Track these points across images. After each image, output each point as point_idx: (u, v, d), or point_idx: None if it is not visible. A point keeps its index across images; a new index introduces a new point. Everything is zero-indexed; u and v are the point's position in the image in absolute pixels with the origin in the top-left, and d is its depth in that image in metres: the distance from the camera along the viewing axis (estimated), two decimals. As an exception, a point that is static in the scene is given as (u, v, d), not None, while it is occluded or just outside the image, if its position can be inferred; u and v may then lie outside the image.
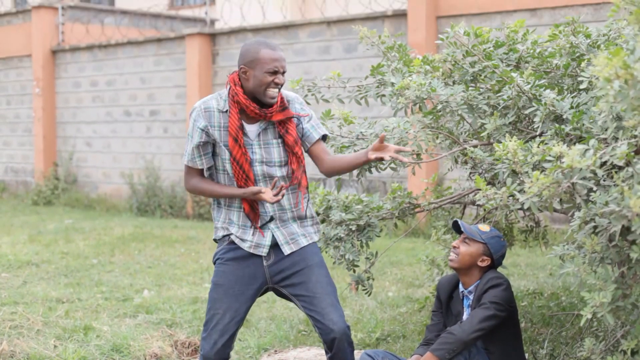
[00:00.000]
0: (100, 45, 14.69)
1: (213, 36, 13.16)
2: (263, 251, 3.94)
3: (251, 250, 3.94)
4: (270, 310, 6.51)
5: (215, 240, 4.08)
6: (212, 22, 17.07)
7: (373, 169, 4.81)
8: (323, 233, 4.95)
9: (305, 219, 4.04)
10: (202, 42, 13.06)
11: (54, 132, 15.47)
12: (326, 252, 5.00)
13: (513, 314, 4.18)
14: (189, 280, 7.78)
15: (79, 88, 15.12)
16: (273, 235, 3.95)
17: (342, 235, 4.92)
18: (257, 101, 3.89)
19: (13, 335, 5.72)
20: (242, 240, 3.94)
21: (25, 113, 15.96)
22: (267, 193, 3.80)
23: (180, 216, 13.11)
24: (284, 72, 3.88)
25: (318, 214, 5.10)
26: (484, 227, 4.25)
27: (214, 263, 4.05)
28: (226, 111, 3.89)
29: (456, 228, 4.33)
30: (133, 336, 5.66)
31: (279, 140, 3.94)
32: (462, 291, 4.28)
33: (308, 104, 5.26)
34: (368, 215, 4.95)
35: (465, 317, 4.22)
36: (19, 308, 6.40)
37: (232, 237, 3.95)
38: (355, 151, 4.66)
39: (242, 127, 3.88)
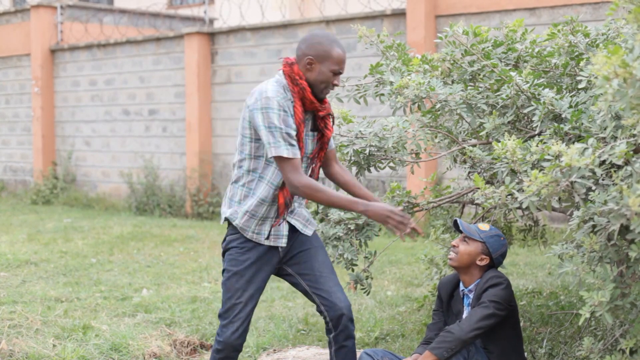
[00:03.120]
0: (99, 44, 14.68)
1: (212, 35, 13.16)
2: (283, 241, 3.99)
3: (271, 243, 3.96)
4: (269, 310, 6.51)
5: (229, 221, 3.99)
6: (211, 21, 17.07)
7: (372, 168, 4.81)
8: (322, 232, 4.95)
9: (302, 200, 4.11)
10: (201, 41, 13.06)
11: (52, 131, 15.46)
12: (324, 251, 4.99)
13: (513, 313, 4.18)
14: (188, 279, 7.78)
15: (78, 87, 15.12)
16: (288, 224, 4.00)
17: (341, 234, 4.92)
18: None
19: (12, 334, 5.71)
20: (258, 234, 3.94)
21: (24, 112, 15.95)
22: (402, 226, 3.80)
23: (179, 215, 13.11)
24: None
25: (317, 213, 5.10)
26: (484, 226, 4.24)
27: (229, 250, 4.00)
28: (291, 101, 3.85)
29: (456, 227, 4.32)
30: (132, 335, 5.66)
31: (314, 133, 3.98)
32: (463, 290, 4.28)
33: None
34: (367, 214, 4.94)
35: (465, 315, 4.23)
36: (18, 307, 6.39)
37: (248, 235, 3.93)
38: (354, 150, 4.66)
39: (304, 120, 3.89)
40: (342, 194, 3.88)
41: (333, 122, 4.05)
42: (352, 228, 4.95)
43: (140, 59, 14.15)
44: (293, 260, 4.07)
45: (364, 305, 6.53)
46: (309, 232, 4.06)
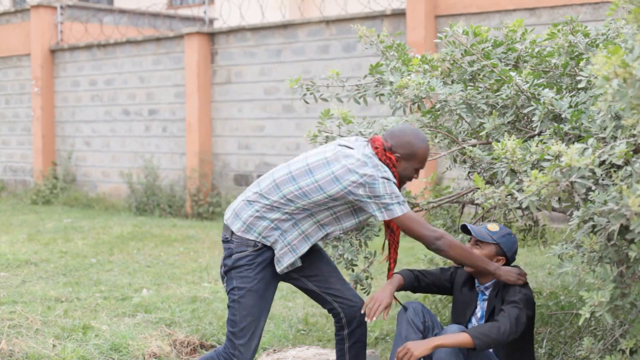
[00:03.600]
0: (99, 44, 14.69)
1: (212, 35, 13.16)
2: (298, 262, 4.04)
3: (288, 269, 4.02)
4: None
5: (242, 237, 3.99)
6: (211, 21, 17.07)
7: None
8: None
9: None
10: (200, 41, 13.06)
11: (52, 132, 15.47)
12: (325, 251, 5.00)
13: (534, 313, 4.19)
14: (188, 280, 7.78)
15: (78, 87, 15.12)
16: None
17: (341, 235, 4.92)
18: None
19: (12, 334, 5.71)
20: (279, 261, 3.98)
21: (24, 112, 15.95)
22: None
23: (179, 215, 13.11)
24: None
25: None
26: (493, 227, 4.22)
27: (238, 267, 3.99)
28: None
29: (465, 231, 4.30)
30: (132, 335, 5.65)
31: None
32: (478, 286, 4.25)
33: (307, 102, 5.26)
34: (367, 215, 4.94)
35: (479, 311, 4.21)
36: (18, 307, 6.39)
37: (283, 266, 3.98)
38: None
39: None
40: (475, 257, 4.04)
41: None
42: (352, 228, 4.94)
43: (140, 59, 14.15)
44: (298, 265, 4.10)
45: (364, 305, 6.53)
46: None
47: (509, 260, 4.22)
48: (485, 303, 4.20)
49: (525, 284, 4.10)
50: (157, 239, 10.31)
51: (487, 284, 4.21)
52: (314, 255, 4.12)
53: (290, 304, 6.71)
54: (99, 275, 7.97)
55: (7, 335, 5.68)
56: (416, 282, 4.35)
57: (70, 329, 5.83)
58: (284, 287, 7.25)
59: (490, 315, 4.13)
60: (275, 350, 5.48)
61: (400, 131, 3.99)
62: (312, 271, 4.10)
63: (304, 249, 3.96)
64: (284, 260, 3.96)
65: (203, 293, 7.11)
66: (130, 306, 6.62)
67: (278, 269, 3.97)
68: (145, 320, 6.19)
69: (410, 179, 4.02)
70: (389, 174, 3.86)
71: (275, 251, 3.97)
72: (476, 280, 4.27)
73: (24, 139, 16.01)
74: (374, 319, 3.94)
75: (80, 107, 15.11)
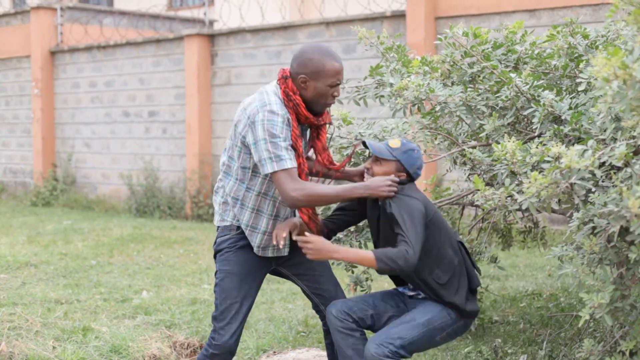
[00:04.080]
0: (99, 46, 14.69)
1: (212, 37, 13.16)
2: (285, 251, 3.99)
3: (274, 254, 3.97)
4: (269, 312, 6.51)
5: (221, 226, 3.97)
6: (211, 22, 17.08)
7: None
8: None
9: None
10: (200, 43, 13.06)
11: (52, 133, 15.47)
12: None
13: (433, 229, 3.90)
14: (188, 281, 7.77)
15: (78, 89, 15.12)
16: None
17: (341, 236, 4.93)
18: (310, 111, 3.86)
19: (12, 336, 5.71)
20: (265, 248, 3.94)
21: (24, 114, 15.95)
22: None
23: (179, 217, 13.11)
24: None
25: (317, 215, 5.10)
26: (395, 143, 3.97)
27: (221, 251, 3.97)
28: (288, 117, 3.78)
29: (366, 147, 4.07)
30: (132, 337, 5.65)
31: (309, 146, 3.99)
32: (381, 204, 3.96)
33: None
34: (367, 216, 4.94)
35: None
36: (18, 309, 6.39)
37: (254, 250, 3.93)
38: (353, 155, 4.66)
39: (300, 135, 3.83)
40: (335, 186, 3.79)
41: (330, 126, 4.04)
42: (352, 230, 4.95)
43: (140, 61, 14.15)
44: (289, 262, 4.07)
45: (363, 307, 6.53)
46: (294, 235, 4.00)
47: (412, 177, 3.95)
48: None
49: (420, 200, 3.85)
50: (157, 241, 10.31)
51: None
52: None
53: (290, 305, 6.71)
54: (99, 277, 7.97)
55: (7, 337, 5.68)
56: (331, 225, 4.15)
57: (70, 331, 5.83)
58: (283, 288, 7.26)
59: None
60: (275, 352, 5.48)
61: (301, 51, 3.81)
62: (303, 270, 4.07)
63: (264, 223, 3.88)
64: (255, 241, 3.90)
65: (203, 295, 7.11)
66: (130, 308, 6.62)
67: (256, 251, 3.92)
68: (145, 322, 6.19)
69: (328, 100, 3.81)
70: (276, 106, 3.69)
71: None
72: (379, 201, 3.98)
73: (24, 141, 16.01)
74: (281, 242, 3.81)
75: (80, 109, 15.11)
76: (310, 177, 4.01)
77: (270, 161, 3.66)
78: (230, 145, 3.88)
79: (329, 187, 3.76)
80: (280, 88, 3.82)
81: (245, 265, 3.94)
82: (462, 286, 3.92)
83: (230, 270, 3.93)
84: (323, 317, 4.10)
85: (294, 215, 4.00)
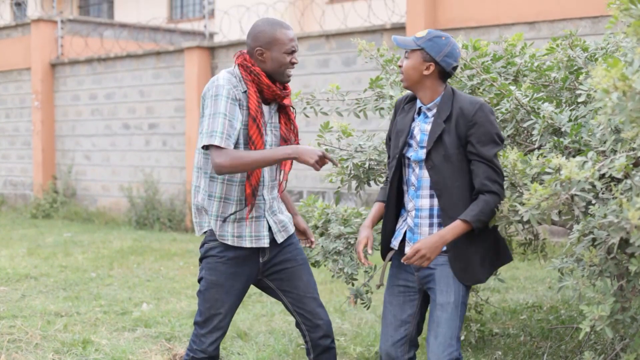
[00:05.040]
0: (100, 58, 14.72)
1: (212, 49, 13.18)
2: (265, 242, 3.90)
3: (253, 245, 3.87)
4: (269, 324, 6.50)
5: (206, 231, 3.92)
6: (211, 35, 17.11)
7: (372, 182, 4.81)
8: (322, 246, 4.95)
9: (280, 203, 4.07)
10: (201, 56, 13.08)
11: (52, 146, 15.48)
12: (325, 265, 5.00)
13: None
14: (188, 294, 7.77)
15: (78, 101, 15.14)
16: (268, 224, 3.92)
17: (341, 249, 4.92)
18: (273, 82, 3.86)
19: (11, 349, 5.70)
20: (240, 237, 3.87)
21: (24, 126, 15.97)
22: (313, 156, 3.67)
23: (179, 229, 13.10)
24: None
25: (317, 227, 5.10)
26: (421, 33, 3.76)
27: (207, 257, 3.92)
28: (245, 91, 3.79)
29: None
30: (132, 350, 5.65)
31: (279, 125, 3.95)
32: (420, 107, 3.79)
33: (307, 116, 5.28)
34: (367, 228, 4.94)
35: (418, 134, 3.75)
36: (18, 322, 6.38)
37: (229, 240, 3.85)
38: (354, 163, 4.66)
39: (261, 107, 3.82)
40: (261, 150, 3.72)
41: (295, 115, 4.01)
42: (352, 242, 4.95)
43: (140, 73, 14.17)
44: (276, 275, 4.01)
45: (364, 319, 6.52)
46: (279, 238, 3.96)
47: (442, 67, 3.72)
48: (429, 126, 3.74)
49: (485, 104, 3.69)
50: (157, 253, 10.30)
51: (429, 105, 3.76)
52: (295, 271, 4.02)
53: (290, 318, 6.70)
54: (99, 289, 7.96)
55: (6, 349, 5.67)
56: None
57: (70, 344, 5.82)
58: (284, 301, 7.24)
59: (438, 140, 3.68)
60: (275, 364, 5.48)
61: (252, 27, 3.86)
62: (288, 287, 4.02)
63: (232, 209, 3.84)
64: (228, 231, 3.84)
65: (203, 307, 7.10)
66: (130, 320, 6.61)
67: (231, 242, 3.84)
68: (145, 335, 6.18)
69: (288, 67, 3.81)
70: (222, 81, 3.72)
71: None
72: (418, 101, 3.81)
73: (24, 153, 16.02)
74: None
75: (80, 121, 15.12)
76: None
77: (206, 135, 3.66)
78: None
79: (254, 152, 3.69)
80: (239, 65, 3.84)
81: (231, 277, 3.89)
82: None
83: (216, 281, 3.89)
84: (304, 335, 4.08)
85: (266, 199, 3.93)
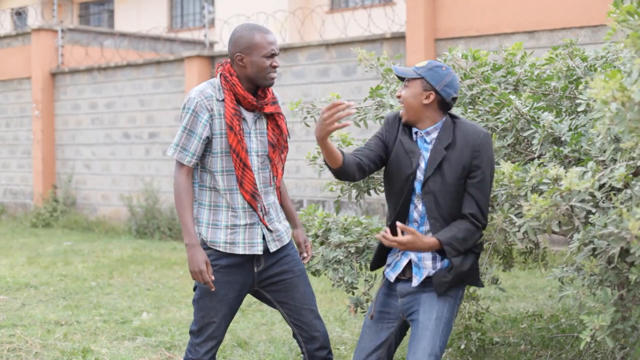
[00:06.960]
0: (100, 67, 14.73)
1: (212, 59, 13.20)
2: (258, 249, 3.89)
3: (246, 252, 3.87)
4: (269, 333, 6.49)
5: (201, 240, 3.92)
6: (211, 44, 17.13)
7: (372, 191, 4.81)
8: (322, 255, 4.95)
9: (279, 212, 4.06)
10: (201, 65, 13.10)
11: (53, 155, 15.48)
12: (325, 274, 4.99)
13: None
14: (188, 303, 7.76)
15: (78, 110, 15.15)
16: (262, 232, 3.92)
17: (341, 258, 4.92)
18: (253, 91, 3.89)
19: (11, 358, 5.70)
20: (233, 244, 3.86)
21: (25, 135, 15.98)
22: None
23: (179, 238, 13.09)
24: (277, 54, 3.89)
25: (317, 236, 5.09)
26: (421, 63, 3.81)
27: None
28: (222, 100, 3.83)
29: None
30: (132, 359, 5.64)
31: (266, 131, 3.94)
32: (417, 132, 3.82)
33: (307, 125, 5.28)
34: (367, 238, 4.95)
35: (424, 158, 3.79)
36: (17, 330, 6.38)
37: (221, 247, 3.85)
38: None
39: (239, 114, 3.82)
40: (190, 216, 3.80)
41: (285, 122, 4.01)
42: (352, 251, 4.95)
43: (140, 82, 14.19)
44: (272, 287, 4.00)
45: (364, 328, 6.51)
46: (272, 247, 3.94)
47: (442, 96, 3.75)
48: (428, 153, 3.79)
49: (488, 134, 3.75)
50: (157, 262, 10.29)
51: (427, 129, 3.80)
52: (293, 282, 4.01)
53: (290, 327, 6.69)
54: (99, 298, 7.95)
55: (6, 358, 5.66)
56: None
57: (70, 353, 5.81)
58: (284, 310, 7.23)
59: (437, 168, 3.73)
60: (275, 373, 5.47)
61: (232, 33, 3.90)
62: (285, 298, 4.01)
63: (224, 216, 3.85)
64: (220, 238, 3.84)
65: (203, 316, 7.09)
66: (130, 329, 6.60)
67: (223, 248, 3.84)
68: (145, 344, 6.18)
69: (269, 71, 3.82)
70: (194, 93, 3.81)
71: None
72: (414, 128, 3.85)
73: (24, 162, 16.02)
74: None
75: (80, 130, 15.13)
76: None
77: (176, 147, 3.86)
78: None
79: (187, 206, 3.82)
80: (219, 74, 3.89)
81: (224, 286, 3.88)
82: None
83: (209, 289, 3.87)
84: (301, 346, 4.08)
85: (257, 202, 3.92)
